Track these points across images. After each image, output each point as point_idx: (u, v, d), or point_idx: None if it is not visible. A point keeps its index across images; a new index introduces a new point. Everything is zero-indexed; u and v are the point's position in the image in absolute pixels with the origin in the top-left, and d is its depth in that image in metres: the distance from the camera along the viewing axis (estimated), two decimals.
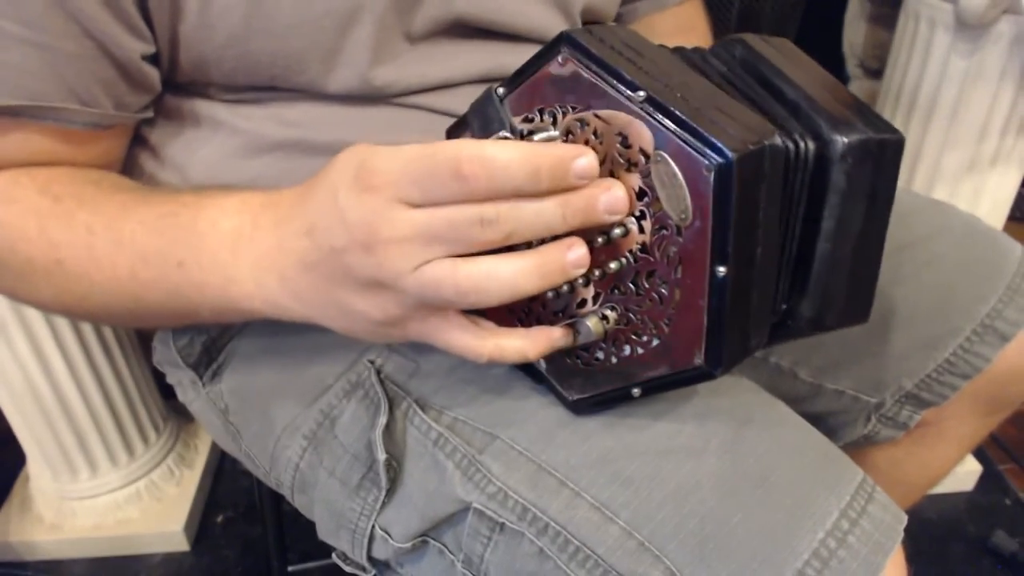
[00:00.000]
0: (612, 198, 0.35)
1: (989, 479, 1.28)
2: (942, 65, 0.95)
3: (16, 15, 0.41)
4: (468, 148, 0.33)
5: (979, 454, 1.29)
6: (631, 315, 0.38)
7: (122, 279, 0.44)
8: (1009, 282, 0.58)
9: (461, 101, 0.53)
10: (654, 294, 0.37)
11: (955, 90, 0.96)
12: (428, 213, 0.34)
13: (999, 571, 1.15)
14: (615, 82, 0.35)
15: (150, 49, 0.46)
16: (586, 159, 0.34)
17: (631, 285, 0.37)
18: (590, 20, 0.60)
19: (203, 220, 0.43)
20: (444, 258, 0.35)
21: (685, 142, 0.33)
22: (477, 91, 0.53)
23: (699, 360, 0.36)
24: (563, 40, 0.37)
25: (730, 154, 0.32)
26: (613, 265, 0.37)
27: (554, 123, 0.38)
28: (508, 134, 0.37)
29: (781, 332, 0.40)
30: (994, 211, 1.05)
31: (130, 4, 0.43)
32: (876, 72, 1.43)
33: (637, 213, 0.36)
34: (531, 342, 0.39)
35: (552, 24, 0.56)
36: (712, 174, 0.32)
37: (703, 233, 0.34)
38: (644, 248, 0.36)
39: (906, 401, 0.61)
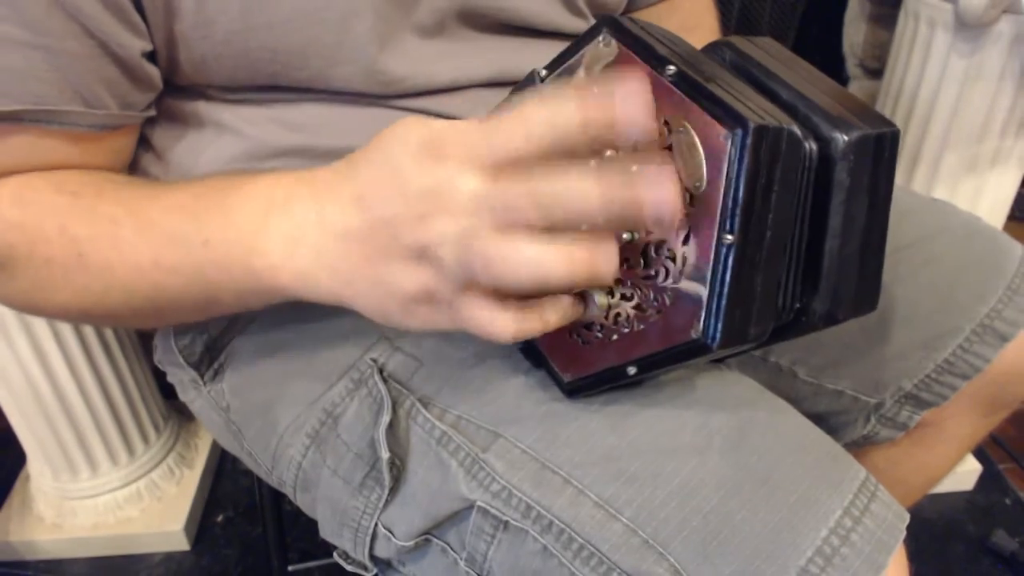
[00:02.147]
0: (660, 198, 0.32)
1: (989, 479, 1.28)
2: (942, 65, 0.96)
3: (18, 18, 0.41)
4: (529, 101, 0.33)
5: (979, 454, 1.29)
6: (637, 289, 0.39)
7: (144, 267, 0.43)
8: (1009, 282, 0.58)
9: (468, 106, 0.54)
10: (661, 266, 0.37)
11: (955, 90, 0.96)
12: (487, 186, 0.34)
13: (999, 570, 1.15)
14: (649, 58, 0.37)
15: (149, 46, 0.46)
16: (636, 83, 0.32)
17: (641, 258, 0.38)
18: (597, 12, 0.60)
19: (233, 195, 0.42)
20: (483, 229, 0.34)
21: (707, 111, 0.34)
22: (484, 96, 0.54)
23: (695, 333, 0.36)
24: (605, 22, 0.40)
25: (749, 123, 0.33)
26: (626, 236, 0.38)
27: None
28: None
29: (795, 328, 0.41)
30: (994, 211, 1.05)
31: (126, 1, 0.43)
32: (876, 72, 1.43)
33: None
34: (549, 309, 0.38)
35: (555, 14, 0.56)
36: (728, 140, 0.33)
37: (714, 201, 0.34)
38: None
39: (906, 401, 0.61)
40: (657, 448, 0.41)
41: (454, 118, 0.53)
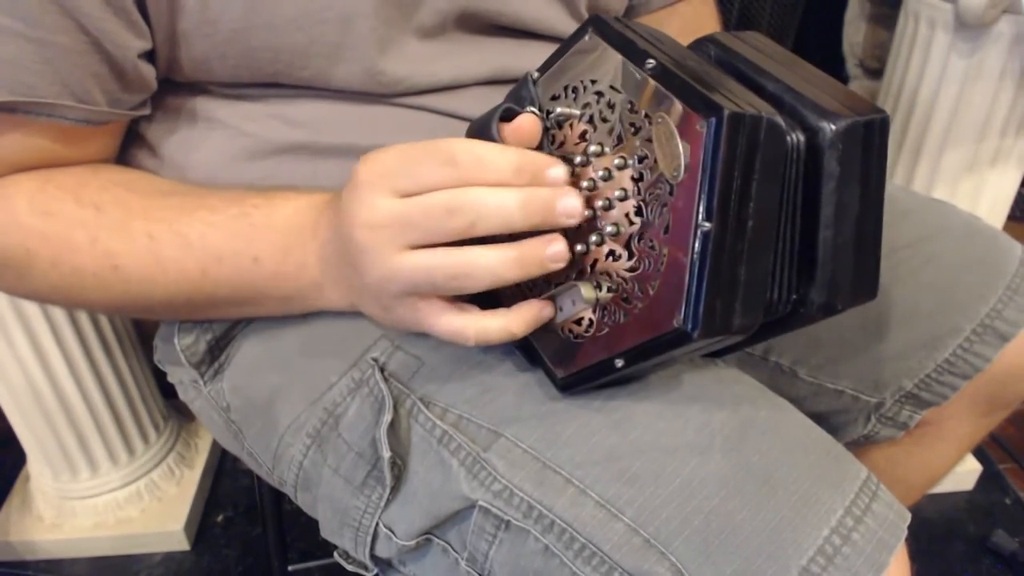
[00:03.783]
0: (568, 203, 0.38)
1: (989, 479, 1.28)
2: (942, 65, 0.96)
3: (11, 10, 0.41)
4: (463, 143, 0.38)
5: (979, 454, 1.29)
6: (623, 281, 0.39)
7: (192, 279, 0.47)
8: (1009, 282, 0.59)
9: (468, 103, 0.54)
10: (644, 257, 0.37)
11: (955, 90, 0.96)
12: (405, 201, 0.38)
13: (999, 571, 1.16)
14: (630, 52, 0.38)
15: (147, 46, 0.46)
16: (558, 169, 0.39)
17: (624, 249, 0.38)
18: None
19: (278, 218, 0.47)
20: (435, 247, 0.38)
21: (685, 102, 0.35)
22: (485, 93, 0.55)
23: (677, 322, 0.36)
24: (590, 21, 0.41)
25: (724, 110, 0.33)
26: (609, 229, 0.39)
27: (576, 98, 0.41)
28: (535, 110, 0.41)
29: (793, 320, 0.41)
30: (994, 210, 1.05)
31: (128, 1, 0.44)
32: (876, 72, 1.43)
33: (636, 175, 0.37)
34: (515, 318, 0.41)
35: (556, 18, 0.56)
36: (704, 128, 0.34)
37: (692, 188, 0.35)
38: (639, 210, 0.38)
39: (906, 401, 0.61)
40: (658, 447, 0.41)
41: (456, 116, 0.54)
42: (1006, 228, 0.81)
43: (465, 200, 0.37)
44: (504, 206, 0.37)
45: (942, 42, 0.95)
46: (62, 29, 0.42)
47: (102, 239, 0.46)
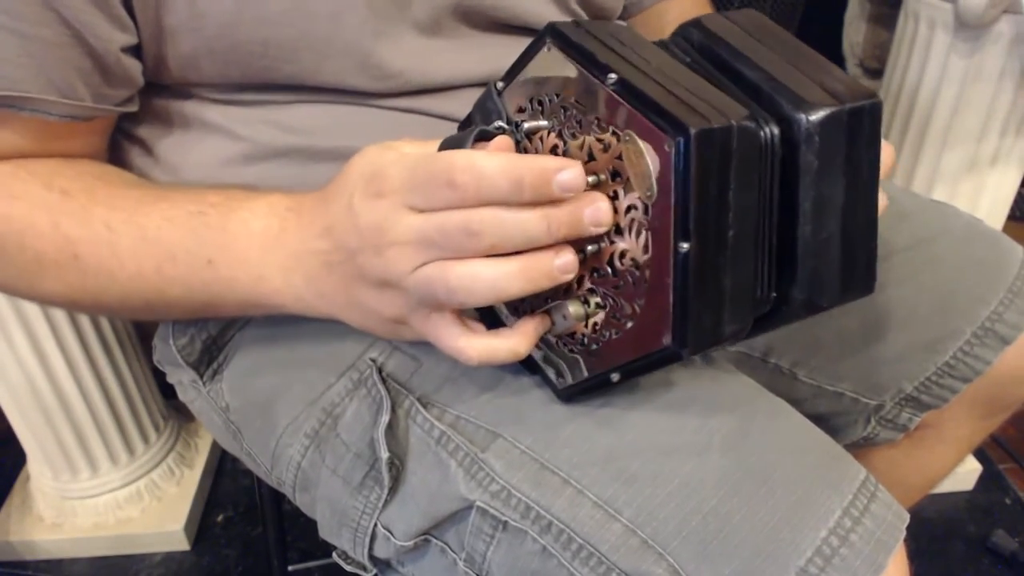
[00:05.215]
0: (596, 211, 0.36)
1: (989, 479, 1.28)
2: (942, 65, 0.96)
3: None
4: (460, 158, 0.35)
5: (979, 454, 1.29)
6: (610, 298, 0.38)
7: (146, 275, 0.46)
8: (1010, 285, 0.58)
9: (463, 105, 0.53)
10: (627, 275, 0.37)
11: (955, 90, 0.96)
12: (424, 219, 0.36)
13: (999, 571, 1.15)
14: (591, 67, 0.36)
15: (131, 40, 0.46)
16: (570, 172, 0.35)
17: (607, 267, 0.38)
18: (594, 12, 0.59)
19: (233, 221, 0.45)
20: (439, 260, 0.37)
21: (651, 120, 0.33)
22: (478, 95, 0.54)
23: (666, 340, 0.35)
24: (547, 31, 0.39)
25: (690, 129, 0.32)
26: (591, 248, 0.38)
27: (543, 112, 0.39)
28: (504, 124, 0.40)
29: (777, 317, 0.39)
30: (994, 211, 1.05)
31: None
32: (876, 72, 1.43)
33: (611, 194, 0.36)
34: (519, 338, 0.40)
35: (551, 14, 0.56)
36: (672, 149, 0.33)
37: (667, 209, 0.34)
38: (618, 229, 0.37)
39: (906, 403, 0.61)
40: (656, 448, 0.41)
41: (450, 118, 0.53)
42: (1006, 228, 0.81)
43: (482, 224, 0.35)
44: (525, 227, 0.35)
45: (942, 42, 0.95)
46: (44, 22, 0.42)
47: (63, 225, 0.45)
